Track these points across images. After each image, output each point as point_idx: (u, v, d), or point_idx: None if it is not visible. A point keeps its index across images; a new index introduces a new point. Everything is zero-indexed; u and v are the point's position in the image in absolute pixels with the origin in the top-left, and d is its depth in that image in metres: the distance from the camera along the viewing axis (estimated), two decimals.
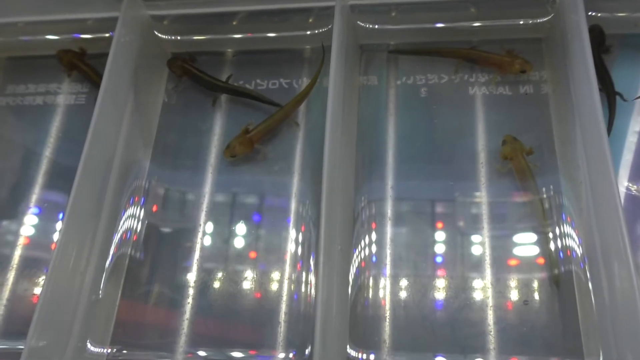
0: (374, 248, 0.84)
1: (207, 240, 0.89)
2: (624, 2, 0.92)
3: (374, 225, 0.86)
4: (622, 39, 0.93)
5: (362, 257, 0.84)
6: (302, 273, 0.84)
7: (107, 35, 1.01)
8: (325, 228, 0.75)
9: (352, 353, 0.78)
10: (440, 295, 0.81)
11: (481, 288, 0.80)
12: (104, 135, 0.87)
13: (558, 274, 0.79)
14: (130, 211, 0.90)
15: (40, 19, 1.01)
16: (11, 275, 0.90)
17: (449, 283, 0.81)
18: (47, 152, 0.99)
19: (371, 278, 0.82)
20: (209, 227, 0.89)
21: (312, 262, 0.84)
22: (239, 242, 0.88)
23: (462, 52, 0.95)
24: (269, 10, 0.96)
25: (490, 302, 0.79)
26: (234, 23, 1.00)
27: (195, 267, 0.87)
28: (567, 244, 0.80)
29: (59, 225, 0.92)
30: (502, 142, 0.87)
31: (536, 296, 0.79)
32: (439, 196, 0.88)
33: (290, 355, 0.79)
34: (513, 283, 0.80)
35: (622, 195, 0.83)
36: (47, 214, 0.94)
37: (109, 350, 0.82)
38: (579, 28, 0.82)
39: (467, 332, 0.78)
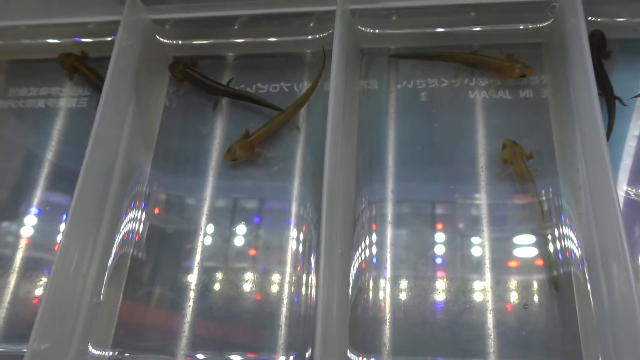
0: (374, 250, 0.85)
1: (208, 243, 0.89)
2: (623, 7, 0.92)
3: (374, 228, 0.86)
4: (622, 43, 0.93)
5: (363, 259, 0.84)
6: (302, 276, 0.84)
7: (108, 39, 1.01)
8: (325, 231, 0.75)
9: (353, 357, 0.78)
10: (440, 298, 0.81)
11: (481, 291, 0.80)
12: (106, 139, 0.88)
13: (557, 277, 0.79)
14: (131, 214, 0.91)
15: (42, 22, 1.02)
16: (13, 278, 0.90)
17: (448, 286, 0.81)
18: (49, 155, 0.99)
19: (371, 280, 0.83)
20: (210, 230, 0.90)
21: (312, 265, 0.85)
22: (239, 245, 0.88)
23: (463, 57, 0.96)
24: (270, 14, 0.97)
25: (490, 305, 0.80)
26: (235, 27, 1.01)
27: (196, 270, 0.87)
28: (566, 247, 0.81)
29: (60, 228, 0.92)
30: (502, 146, 0.87)
31: (535, 299, 0.79)
32: (439, 199, 0.88)
33: (291, 358, 0.80)
34: (512, 286, 0.80)
35: (622, 200, 0.83)
36: (48, 217, 0.95)
37: (111, 353, 0.82)
38: (579, 33, 0.82)
39: (467, 335, 0.78)
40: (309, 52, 1.02)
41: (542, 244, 0.82)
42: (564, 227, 0.82)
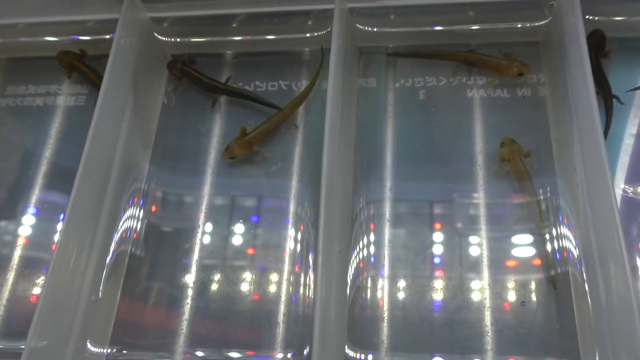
0: (372, 249, 0.85)
1: (206, 241, 0.89)
2: (621, 6, 0.92)
3: (372, 227, 0.86)
4: (619, 42, 0.93)
5: (361, 258, 0.84)
6: (300, 274, 0.85)
7: (106, 37, 1.01)
8: (324, 229, 0.75)
9: (351, 353, 0.78)
10: (438, 296, 0.81)
11: (479, 289, 0.81)
12: (104, 137, 0.88)
13: (555, 275, 0.80)
14: (129, 212, 0.91)
15: (41, 20, 1.02)
16: (11, 276, 0.90)
17: (446, 284, 0.82)
18: (47, 153, 0.99)
19: (369, 279, 0.83)
20: (208, 227, 0.90)
21: (310, 264, 0.85)
22: (237, 243, 0.88)
23: (461, 55, 0.96)
24: (269, 12, 0.97)
25: (487, 303, 0.80)
26: (234, 25, 1.01)
27: (194, 268, 0.87)
28: (564, 246, 0.81)
29: (58, 226, 0.92)
30: (500, 144, 0.87)
31: (533, 297, 0.79)
32: (437, 197, 0.88)
33: (289, 355, 0.80)
34: (510, 284, 0.81)
35: (619, 198, 0.84)
36: (46, 215, 0.95)
37: (109, 351, 0.82)
38: (577, 31, 0.82)
39: (465, 333, 0.79)
40: (307, 50, 1.02)
41: (539, 242, 0.82)
42: (561, 225, 0.82)
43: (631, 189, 0.84)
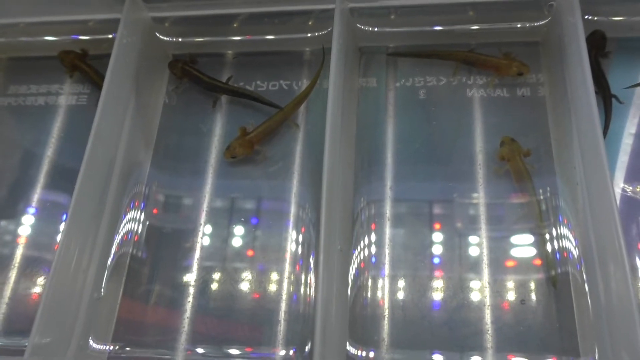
0: (373, 248, 0.85)
1: (207, 240, 0.89)
2: (620, 6, 0.93)
3: (373, 226, 0.86)
4: (618, 42, 0.94)
5: (362, 257, 0.85)
6: (301, 273, 0.85)
7: (108, 36, 1.01)
8: (325, 228, 0.75)
9: (352, 350, 0.79)
10: (438, 294, 0.81)
11: (479, 288, 0.81)
12: (106, 136, 0.88)
13: (555, 275, 0.80)
14: (131, 210, 0.91)
15: (43, 20, 1.02)
16: (13, 274, 0.91)
17: (447, 283, 0.82)
18: (49, 152, 1.00)
19: (370, 278, 0.83)
20: (209, 227, 0.90)
21: (311, 262, 0.85)
22: (238, 242, 0.89)
23: (461, 55, 0.96)
24: (270, 12, 0.97)
25: (487, 301, 0.80)
26: (235, 25, 1.01)
27: (195, 267, 0.87)
28: (564, 245, 0.81)
29: (60, 225, 0.93)
30: (500, 143, 0.88)
31: (533, 296, 0.80)
32: (438, 197, 0.88)
33: (291, 352, 0.80)
34: (510, 283, 0.81)
35: (618, 197, 0.84)
36: (48, 214, 0.95)
37: (111, 348, 0.83)
38: (576, 31, 0.83)
39: (465, 331, 0.79)
40: (308, 50, 1.03)
41: (539, 241, 0.83)
42: (561, 225, 0.83)
43: (630, 188, 0.85)
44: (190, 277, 0.87)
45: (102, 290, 0.85)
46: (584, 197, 0.80)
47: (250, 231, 0.89)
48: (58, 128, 1.02)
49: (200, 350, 0.82)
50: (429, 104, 0.95)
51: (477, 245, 0.84)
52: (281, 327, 0.82)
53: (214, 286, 0.86)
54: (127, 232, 0.90)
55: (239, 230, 0.90)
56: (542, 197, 0.85)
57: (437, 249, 0.85)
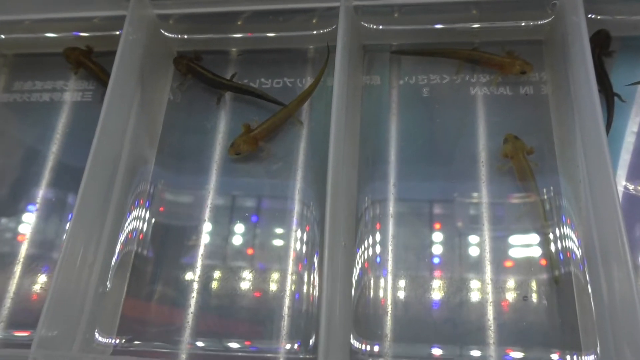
0: (377, 246, 0.85)
1: (211, 237, 0.90)
2: (623, 5, 0.93)
3: (377, 224, 0.87)
4: (622, 41, 0.94)
5: (365, 253, 0.85)
6: (305, 271, 0.85)
7: (112, 33, 1.02)
8: (330, 225, 0.76)
9: (356, 344, 0.79)
10: (441, 291, 0.82)
11: (481, 285, 0.81)
12: (112, 132, 0.89)
13: (558, 272, 0.80)
14: (136, 205, 0.92)
15: (48, 16, 1.02)
16: (18, 269, 0.91)
17: (449, 280, 0.82)
18: (54, 149, 1.00)
19: (374, 275, 0.84)
20: (214, 225, 0.90)
21: (315, 261, 0.85)
22: (242, 240, 0.89)
23: (464, 53, 0.97)
24: (274, 10, 0.98)
25: (490, 297, 0.81)
26: (239, 23, 1.02)
27: (199, 264, 0.88)
28: (566, 242, 0.82)
29: (65, 221, 0.93)
30: (503, 140, 0.88)
31: (535, 292, 0.80)
32: (441, 195, 0.89)
33: (295, 346, 0.81)
34: (512, 279, 0.81)
35: (620, 195, 0.84)
36: (53, 210, 0.95)
37: (117, 341, 0.83)
38: (579, 30, 0.83)
39: (467, 327, 0.79)
40: (312, 48, 1.03)
41: (542, 239, 0.83)
42: (564, 223, 0.83)
43: (632, 186, 0.85)
44: (195, 274, 0.87)
45: (108, 284, 0.85)
46: (587, 194, 0.80)
47: (254, 229, 0.90)
48: (63, 124, 1.02)
49: (204, 345, 0.82)
50: (433, 102, 0.96)
51: (479, 243, 0.84)
52: (285, 323, 0.82)
53: (218, 283, 0.86)
54: (131, 230, 0.90)
55: (242, 227, 0.90)
56: (545, 197, 0.85)
57: (440, 247, 0.85)
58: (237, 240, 0.89)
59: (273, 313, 0.83)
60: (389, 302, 0.82)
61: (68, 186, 0.96)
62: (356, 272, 0.84)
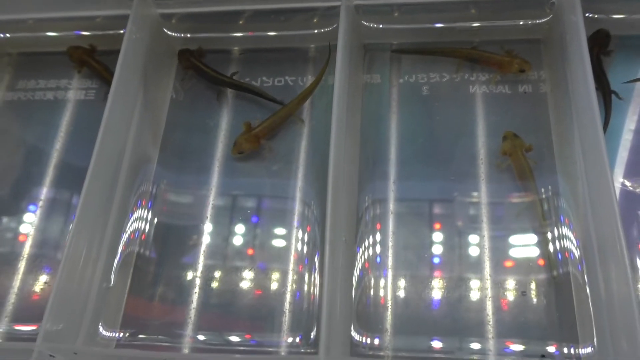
0: (377, 245, 0.86)
1: (213, 237, 0.90)
2: (621, 4, 0.94)
3: (377, 223, 0.88)
4: (619, 40, 0.95)
5: (365, 252, 0.86)
6: (306, 270, 0.86)
7: (115, 32, 1.03)
8: (330, 223, 0.76)
9: (357, 336, 0.80)
10: (441, 287, 0.83)
11: (480, 281, 0.82)
12: (115, 131, 0.89)
13: (555, 266, 0.81)
14: (140, 202, 0.92)
15: (52, 15, 1.03)
16: (22, 266, 0.92)
17: (449, 276, 0.83)
18: (57, 146, 1.01)
19: (374, 272, 0.84)
20: (216, 224, 0.91)
21: (316, 261, 0.86)
22: (243, 239, 0.90)
23: (463, 52, 0.98)
24: (276, 9, 0.98)
25: (489, 293, 0.81)
26: (241, 22, 1.03)
27: (201, 263, 0.88)
28: (564, 238, 0.82)
29: (68, 219, 0.94)
30: (502, 137, 0.89)
31: (533, 287, 0.81)
32: (441, 193, 0.90)
33: (297, 340, 0.81)
34: (511, 276, 0.82)
35: (618, 192, 0.85)
36: (56, 208, 0.96)
37: (120, 335, 0.84)
38: (577, 29, 0.84)
39: (466, 322, 0.80)
40: (313, 46, 1.04)
41: (540, 235, 0.84)
42: (561, 220, 0.84)
43: (629, 182, 0.86)
44: (197, 272, 0.88)
45: (112, 279, 0.86)
46: (585, 191, 0.81)
47: (255, 228, 0.90)
48: (66, 122, 1.03)
49: (206, 339, 0.83)
50: (432, 100, 0.97)
51: (479, 241, 0.85)
52: (286, 318, 0.83)
53: (220, 281, 0.87)
54: (135, 229, 0.91)
55: (244, 227, 0.91)
56: (544, 195, 0.86)
57: (440, 245, 0.86)
58: (238, 240, 0.90)
59: (274, 309, 0.84)
60: (389, 297, 0.83)
61: (71, 184, 0.97)
62: (357, 269, 0.84)
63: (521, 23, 0.97)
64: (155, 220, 0.92)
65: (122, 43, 0.92)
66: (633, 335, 0.67)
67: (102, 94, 1.04)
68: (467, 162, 0.91)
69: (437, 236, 0.86)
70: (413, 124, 0.96)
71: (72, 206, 0.95)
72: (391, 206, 0.89)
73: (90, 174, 0.83)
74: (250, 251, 0.89)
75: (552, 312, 0.79)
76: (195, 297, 0.86)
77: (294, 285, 0.85)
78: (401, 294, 0.83)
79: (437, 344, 0.80)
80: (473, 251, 0.85)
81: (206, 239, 0.90)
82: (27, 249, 0.93)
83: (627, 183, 0.86)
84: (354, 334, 0.80)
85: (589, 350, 0.76)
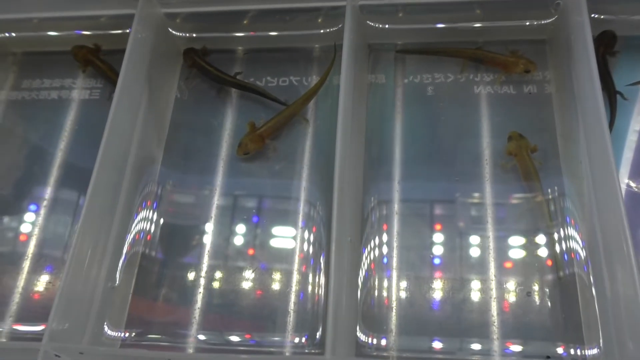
0: (383, 246, 0.86)
1: (217, 237, 0.90)
2: (626, 5, 0.94)
3: (384, 226, 0.88)
4: (624, 40, 0.95)
5: (371, 250, 0.86)
6: (311, 271, 0.86)
7: (120, 31, 1.03)
8: (337, 223, 0.76)
9: (362, 337, 0.80)
10: (445, 288, 0.83)
11: (485, 282, 0.82)
12: (121, 130, 0.89)
13: (560, 267, 0.81)
14: (145, 203, 0.92)
15: (57, 15, 1.03)
16: (26, 266, 0.92)
17: (454, 277, 0.83)
18: (62, 146, 1.01)
19: (379, 273, 0.84)
20: (221, 222, 0.91)
21: (322, 260, 0.86)
22: (247, 239, 0.90)
23: (468, 52, 0.98)
24: (280, 9, 0.98)
25: (493, 294, 0.81)
26: (246, 22, 1.03)
27: (206, 263, 0.88)
28: (569, 238, 0.82)
29: (72, 218, 0.94)
30: (508, 137, 0.89)
31: (538, 288, 0.81)
32: (446, 192, 0.90)
33: (302, 340, 0.82)
34: (516, 277, 0.82)
35: (623, 192, 0.85)
36: (61, 207, 0.96)
37: (125, 335, 0.84)
38: (583, 30, 0.84)
39: (471, 322, 0.80)
40: (318, 46, 1.04)
41: (546, 236, 0.84)
42: (567, 220, 0.84)
43: (635, 184, 0.86)
44: (201, 273, 0.88)
45: (117, 279, 0.86)
46: (590, 192, 0.81)
47: (260, 229, 0.90)
48: (71, 122, 1.03)
49: (211, 338, 0.83)
50: (437, 100, 0.97)
51: (483, 242, 0.85)
52: (291, 318, 0.83)
53: (224, 282, 0.87)
54: (139, 230, 0.91)
55: (248, 227, 0.91)
56: (550, 196, 0.86)
57: (443, 246, 0.86)
58: (242, 240, 0.90)
59: (279, 309, 0.84)
60: (394, 298, 0.83)
61: (75, 184, 0.97)
62: (362, 270, 0.84)
63: (526, 23, 0.97)
64: (161, 220, 0.92)
65: (126, 42, 0.92)
66: (639, 336, 0.67)
67: (106, 93, 1.04)
68: (472, 163, 0.91)
69: (442, 237, 0.86)
70: (418, 124, 0.96)
71: (76, 206, 0.95)
72: (396, 207, 0.89)
73: (95, 175, 0.83)
74: (254, 251, 0.89)
75: (557, 313, 0.79)
76: (199, 297, 0.86)
77: (300, 286, 0.85)
78: (406, 295, 0.83)
79: (441, 345, 0.80)
80: (478, 252, 0.85)
81: (211, 240, 0.90)
82: (31, 249, 0.93)
83: (632, 184, 0.86)
84: (359, 334, 0.80)
85: (594, 351, 0.76)
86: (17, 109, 1.07)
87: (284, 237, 0.89)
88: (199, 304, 0.86)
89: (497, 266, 0.83)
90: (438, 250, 0.85)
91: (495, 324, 0.80)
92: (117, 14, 1.01)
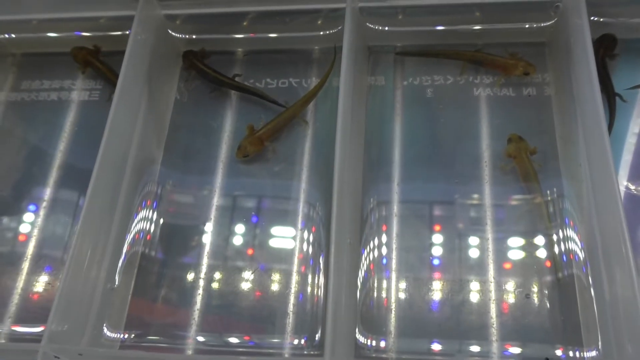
0: (382, 247, 0.86)
1: (217, 237, 0.90)
2: (626, 8, 0.94)
3: (384, 227, 0.88)
4: (624, 43, 0.95)
5: (371, 254, 0.86)
6: (310, 272, 0.86)
7: (119, 33, 1.03)
8: (336, 224, 0.76)
9: (361, 339, 0.80)
10: (444, 290, 0.83)
11: (484, 284, 0.82)
12: (120, 131, 0.89)
13: (559, 268, 0.81)
14: (144, 203, 0.93)
15: (56, 16, 1.03)
16: (25, 267, 0.92)
17: (452, 279, 0.83)
18: (61, 147, 1.01)
19: (378, 275, 0.84)
20: (220, 223, 0.91)
21: (321, 261, 0.86)
22: (247, 240, 0.90)
23: (468, 55, 0.98)
24: (280, 11, 0.99)
25: (492, 296, 0.82)
26: (245, 23, 1.03)
27: (205, 263, 0.88)
28: (568, 240, 0.82)
29: (72, 218, 0.94)
30: (507, 140, 0.89)
31: (537, 290, 0.81)
32: (444, 195, 0.90)
33: (302, 342, 0.82)
34: (515, 279, 0.82)
35: (622, 194, 0.85)
36: (60, 208, 0.96)
37: (125, 336, 0.84)
38: (582, 32, 0.84)
39: (470, 324, 0.80)
40: (317, 48, 1.04)
41: (544, 238, 0.84)
42: (566, 222, 0.84)
43: (634, 186, 0.86)
44: (201, 274, 0.88)
45: (116, 280, 0.86)
46: (589, 194, 0.81)
47: (259, 230, 0.90)
48: (71, 123, 1.03)
49: (210, 340, 0.83)
50: (436, 103, 0.97)
51: (482, 244, 0.85)
52: (290, 320, 0.83)
53: (224, 283, 0.87)
54: (139, 230, 0.91)
55: (248, 228, 0.91)
56: (549, 198, 0.86)
57: (443, 248, 0.86)
58: (241, 241, 0.90)
59: (279, 310, 0.84)
60: (393, 300, 0.83)
61: (75, 185, 0.97)
62: (362, 271, 0.85)
63: (526, 26, 0.97)
64: (161, 221, 0.92)
65: (126, 44, 0.92)
66: (638, 338, 0.67)
67: (106, 94, 1.04)
68: (471, 165, 0.91)
69: (440, 238, 0.86)
70: (417, 126, 0.96)
71: (75, 207, 0.95)
72: (395, 208, 0.89)
73: (95, 175, 0.83)
74: (254, 252, 0.89)
75: (556, 315, 0.79)
76: (199, 299, 0.86)
77: (299, 287, 0.85)
78: (405, 296, 0.83)
79: (440, 347, 0.80)
80: (477, 253, 0.85)
81: (210, 240, 0.90)
82: (30, 250, 0.93)
83: (631, 186, 0.86)
84: (358, 336, 0.80)
85: (593, 353, 0.76)
86: (16, 110, 1.07)
87: (284, 237, 0.89)
88: (198, 305, 0.86)
89: (496, 268, 0.83)
90: (437, 251, 0.85)
91: (494, 325, 0.80)
92: (117, 16, 1.01)
